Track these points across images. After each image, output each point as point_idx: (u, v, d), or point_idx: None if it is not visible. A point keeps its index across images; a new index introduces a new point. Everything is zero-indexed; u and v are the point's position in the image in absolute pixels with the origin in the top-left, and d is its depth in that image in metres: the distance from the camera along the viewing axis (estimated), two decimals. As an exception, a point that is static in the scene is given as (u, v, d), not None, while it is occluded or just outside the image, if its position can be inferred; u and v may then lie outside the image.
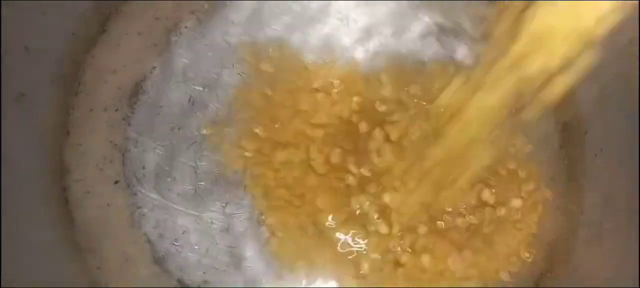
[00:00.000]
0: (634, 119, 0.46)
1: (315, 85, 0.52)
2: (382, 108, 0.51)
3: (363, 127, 0.50)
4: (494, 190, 0.49)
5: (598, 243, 0.47)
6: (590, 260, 0.46)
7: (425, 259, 0.47)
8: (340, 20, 0.54)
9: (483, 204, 0.49)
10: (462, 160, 0.45)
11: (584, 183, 0.49)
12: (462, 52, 0.54)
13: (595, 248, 0.47)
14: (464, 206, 0.48)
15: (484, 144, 0.44)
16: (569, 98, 0.51)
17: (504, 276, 0.47)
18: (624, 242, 0.44)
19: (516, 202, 0.49)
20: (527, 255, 0.48)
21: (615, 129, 0.48)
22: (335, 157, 0.49)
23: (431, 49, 0.54)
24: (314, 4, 0.54)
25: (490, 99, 0.41)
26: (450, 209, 0.48)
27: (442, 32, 0.54)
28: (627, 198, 0.45)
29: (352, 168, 0.49)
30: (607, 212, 0.47)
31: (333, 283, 0.47)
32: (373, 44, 0.53)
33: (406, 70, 0.53)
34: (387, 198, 0.48)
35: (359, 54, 0.53)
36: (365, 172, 0.49)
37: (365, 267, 0.47)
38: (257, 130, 0.50)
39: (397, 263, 0.47)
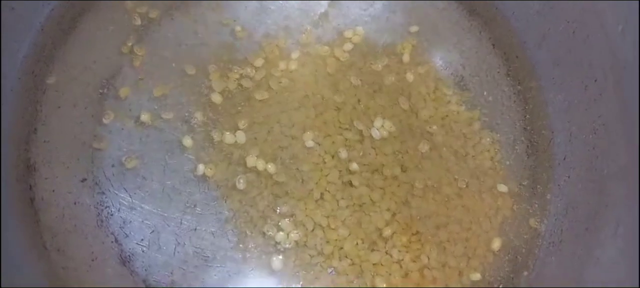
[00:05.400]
0: (597, 130, 0.47)
1: (286, 78, 0.52)
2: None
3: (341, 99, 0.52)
4: (459, 193, 0.50)
5: (558, 251, 0.48)
6: (551, 267, 0.47)
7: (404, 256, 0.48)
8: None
9: (450, 207, 0.50)
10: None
11: (548, 191, 0.50)
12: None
13: (555, 255, 0.48)
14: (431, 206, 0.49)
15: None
16: (538, 107, 0.52)
17: (467, 280, 0.48)
18: (582, 251, 0.45)
19: (481, 207, 0.50)
20: (490, 259, 0.49)
21: (579, 139, 0.49)
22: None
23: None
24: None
25: None
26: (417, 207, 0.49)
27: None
28: (586, 208, 0.46)
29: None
30: (567, 220, 0.48)
31: (304, 283, 0.47)
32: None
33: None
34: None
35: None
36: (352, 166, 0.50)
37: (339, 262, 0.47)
38: (228, 130, 0.50)
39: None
